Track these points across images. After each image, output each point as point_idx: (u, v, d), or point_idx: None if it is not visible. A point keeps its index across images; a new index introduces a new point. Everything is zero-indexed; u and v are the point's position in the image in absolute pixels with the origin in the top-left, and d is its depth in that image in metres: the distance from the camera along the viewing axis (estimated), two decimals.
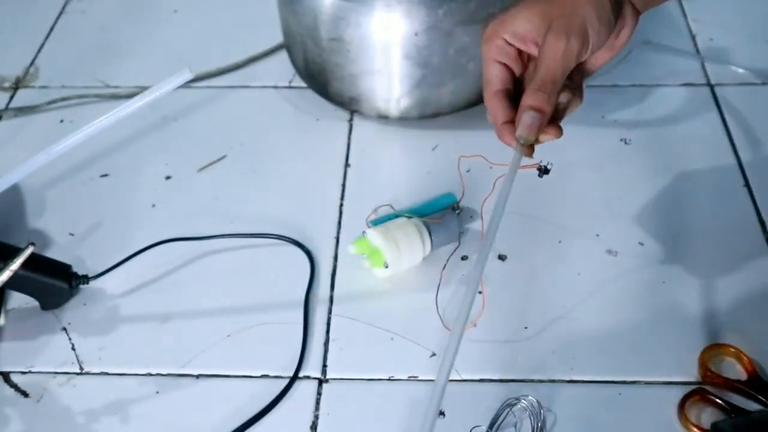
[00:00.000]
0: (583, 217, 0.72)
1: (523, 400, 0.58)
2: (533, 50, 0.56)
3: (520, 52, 0.56)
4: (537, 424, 0.57)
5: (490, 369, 0.61)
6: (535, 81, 0.54)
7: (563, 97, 0.55)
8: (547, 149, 0.79)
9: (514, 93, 0.57)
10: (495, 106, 0.57)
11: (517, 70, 0.57)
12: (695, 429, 0.57)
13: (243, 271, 0.69)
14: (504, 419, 0.57)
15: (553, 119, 0.55)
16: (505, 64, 0.57)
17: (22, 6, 1.01)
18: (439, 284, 0.66)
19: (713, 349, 0.61)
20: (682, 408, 0.58)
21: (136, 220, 0.74)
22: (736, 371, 0.60)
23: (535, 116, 0.54)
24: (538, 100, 0.54)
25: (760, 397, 0.58)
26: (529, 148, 0.56)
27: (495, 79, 0.57)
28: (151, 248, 0.70)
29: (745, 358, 0.60)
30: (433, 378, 0.61)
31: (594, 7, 0.54)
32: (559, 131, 0.57)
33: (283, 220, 0.73)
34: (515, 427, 0.57)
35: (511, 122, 0.56)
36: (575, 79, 0.57)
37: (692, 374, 0.60)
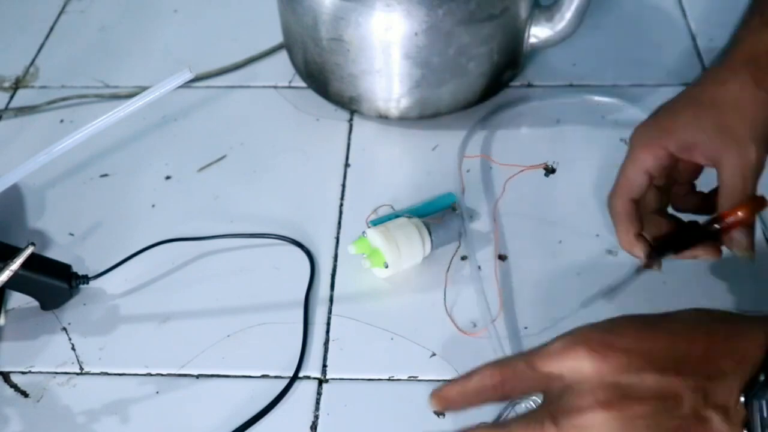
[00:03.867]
0: (583, 217, 0.72)
1: (525, 400, 0.58)
2: (699, 160, 0.53)
3: (676, 161, 0.54)
4: None
5: None
6: (734, 193, 0.51)
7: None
8: (547, 149, 0.79)
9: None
10: (627, 217, 0.55)
11: (658, 181, 0.55)
12: None
13: (243, 271, 0.69)
14: (506, 419, 0.57)
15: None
16: (651, 176, 0.55)
17: (22, 6, 1.01)
18: (446, 285, 0.66)
19: None
20: None
21: (136, 220, 0.74)
22: None
23: (748, 232, 0.51)
24: (747, 214, 0.51)
25: None
26: (660, 262, 0.54)
27: (635, 186, 0.55)
28: (151, 248, 0.70)
29: None
30: (433, 378, 0.61)
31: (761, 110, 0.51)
32: (718, 251, 0.55)
33: (283, 220, 0.73)
34: None
35: (639, 234, 0.54)
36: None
37: None
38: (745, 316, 0.42)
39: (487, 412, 0.58)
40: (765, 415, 0.38)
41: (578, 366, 0.38)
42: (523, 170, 0.75)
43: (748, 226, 0.52)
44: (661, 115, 0.55)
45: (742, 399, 0.38)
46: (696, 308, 0.42)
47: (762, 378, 0.38)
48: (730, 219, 0.52)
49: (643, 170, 0.55)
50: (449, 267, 0.68)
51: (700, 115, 0.53)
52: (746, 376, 0.38)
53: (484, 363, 0.44)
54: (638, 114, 0.82)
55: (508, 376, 0.42)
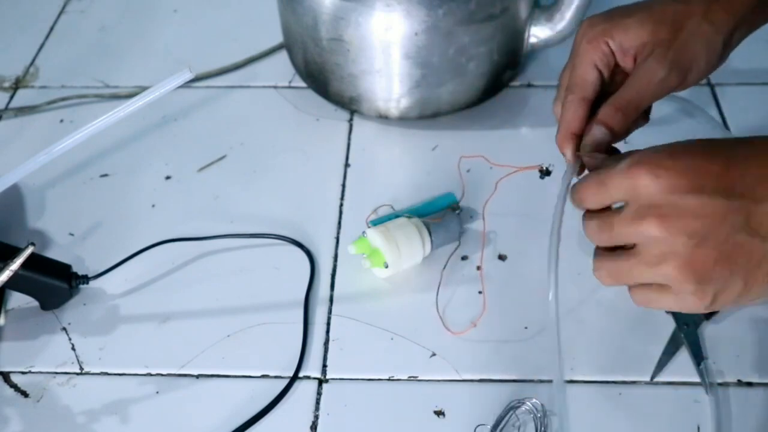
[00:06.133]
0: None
1: (527, 403, 0.58)
2: (629, 65, 0.54)
3: (616, 63, 0.54)
4: (541, 428, 0.57)
5: (490, 369, 0.61)
6: (619, 99, 0.52)
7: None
8: (547, 149, 0.79)
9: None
10: (575, 114, 0.54)
11: (606, 81, 0.55)
12: None
13: (243, 271, 0.69)
14: (507, 422, 0.57)
15: (613, 140, 0.54)
16: (600, 72, 0.54)
17: (22, 6, 1.01)
18: (439, 284, 0.66)
19: None
20: None
21: (136, 220, 0.74)
22: None
23: (606, 134, 0.53)
24: (616, 119, 0.52)
25: None
26: (582, 168, 0.54)
27: (589, 85, 0.54)
28: (151, 248, 0.70)
29: None
30: (433, 378, 0.61)
31: (706, 48, 0.52)
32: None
33: (283, 220, 0.73)
34: (519, 430, 0.57)
35: (579, 134, 0.54)
36: None
37: (693, 375, 0.60)
38: None
39: (486, 413, 0.58)
40: None
41: (639, 184, 0.44)
42: (516, 171, 0.75)
43: (614, 133, 0.53)
44: (610, 13, 0.55)
45: None
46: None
47: None
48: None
49: (590, 65, 0.54)
50: (446, 266, 0.68)
51: (644, 22, 0.53)
52: None
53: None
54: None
55: (592, 189, 0.48)
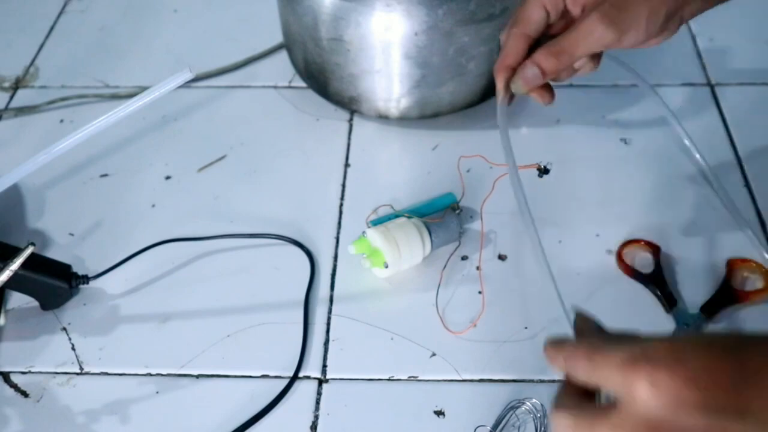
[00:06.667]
0: (583, 217, 0.72)
1: (527, 403, 0.58)
2: (576, 12, 0.55)
3: (565, 7, 0.55)
4: (541, 428, 0.57)
5: (490, 369, 0.61)
6: (556, 45, 0.54)
7: (578, 62, 0.56)
8: (547, 149, 0.79)
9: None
10: (514, 47, 0.56)
11: (552, 22, 0.56)
12: None
13: (243, 271, 0.69)
14: (507, 422, 0.57)
15: (554, 81, 0.56)
16: (548, 13, 0.55)
17: (22, 6, 1.01)
18: (439, 284, 0.66)
19: None
20: None
21: (136, 220, 0.74)
22: None
23: (537, 75, 0.54)
24: (548, 63, 0.54)
25: None
26: (510, 98, 0.56)
27: (532, 22, 0.56)
28: (151, 248, 0.70)
29: None
30: (433, 378, 0.61)
31: (647, 14, 0.52)
32: (551, 97, 0.57)
33: (283, 220, 0.73)
34: (519, 430, 0.57)
35: (515, 69, 0.55)
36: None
37: None
38: None
39: (486, 413, 0.58)
40: None
41: (635, 389, 0.37)
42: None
43: (544, 75, 0.54)
44: None
45: None
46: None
47: None
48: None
49: (540, 4, 0.55)
50: (446, 266, 0.68)
51: None
52: None
53: (551, 338, 0.44)
54: (638, 114, 0.82)
55: (569, 362, 0.42)
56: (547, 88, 0.57)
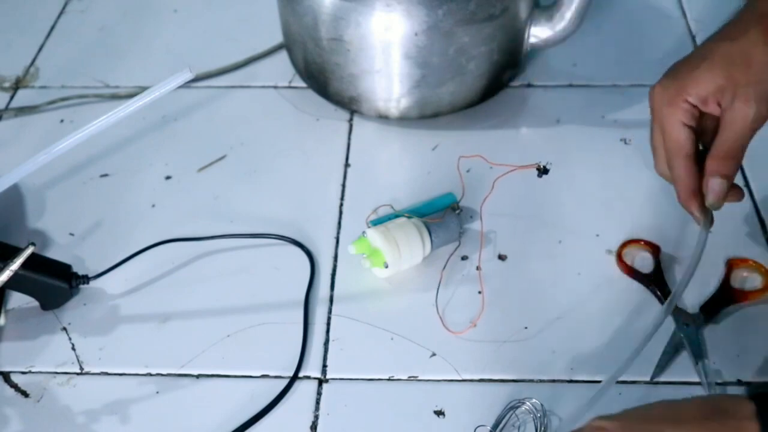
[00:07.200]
0: (583, 217, 0.72)
1: (527, 403, 0.58)
2: (714, 110, 0.55)
3: (701, 113, 0.56)
4: (541, 428, 0.57)
5: (490, 369, 0.61)
6: (722, 147, 0.54)
7: None
8: (547, 149, 0.79)
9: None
10: (687, 172, 0.56)
11: (696, 128, 0.57)
12: None
13: (243, 271, 0.69)
14: (507, 422, 0.57)
15: None
16: (691, 128, 0.56)
17: (22, 6, 1.01)
18: (439, 284, 0.66)
19: None
20: None
21: (136, 220, 0.74)
22: None
23: (723, 183, 0.54)
24: (726, 167, 0.54)
25: None
26: (711, 220, 0.57)
27: (686, 143, 0.56)
28: (151, 248, 0.70)
29: None
30: (433, 378, 0.61)
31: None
32: (741, 193, 0.57)
33: (283, 220, 0.73)
34: (519, 430, 0.57)
35: (700, 190, 0.56)
36: None
37: (692, 375, 0.60)
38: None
39: (486, 413, 0.58)
40: None
41: None
42: (513, 170, 0.75)
43: (729, 180, 0.55)
44: (676, 71, 0.58)
45: None
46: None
47: None
48: None
49: (679, 125, 0.56)
50: (446, 266, 0.68)
51: (713, 68, 0.55)
52: None
53: None
54: (638, 114, 0.82)
55: None
56: (734, 187, 0.57)
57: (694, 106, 0.56)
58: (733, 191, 0.57)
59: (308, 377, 0.62)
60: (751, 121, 0.53)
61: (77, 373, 0.62)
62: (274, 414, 0.59)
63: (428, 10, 0.72)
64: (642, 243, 0.68)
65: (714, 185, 0.55)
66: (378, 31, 0.73)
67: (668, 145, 0.57)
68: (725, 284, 0.65)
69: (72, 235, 0.73)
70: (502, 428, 0.57)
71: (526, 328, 0.64)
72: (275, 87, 0.88)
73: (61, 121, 0.85)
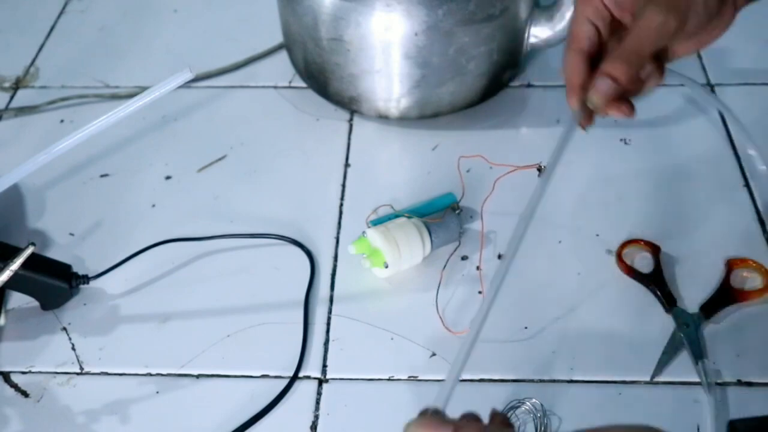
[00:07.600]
0: (583, 217, 0.72)
1: (527, 403, 0.58)
2: (627, 20, 0.54)
3: (612, 18, 0.55)
4: (541, 428, 0.57)
5: (490, 369, 0.61)
6: (621, 50, 0.52)
7: (643, 72, 0.54)
8: (547, 149, 0.79)
9: (594, 58, 0.55)
10: (574, 65, 0.55)
11: (605, 36, 0.55)
12: None
13: (243, 271, 0.69)
14: None
15: (627, 94, 0.54)
16: (596, 26, 0.55)
17: (22, 6, 1.01)
18: (439, 284, 0.66)
19: None
20: None
21: (136, 220, 0.74)
22: None
23: (610, 84, 0.52)
24: (618, 69, 0.52)
25: None
26: (589, 117, 0.54)
27: (583, 36, 0.55)
28: (151, 248, 0.70)
29: None
30: (432, 378, 0.61)
31: None
32: (632, 109, 0.55)
33: (283, 220, 0.73)
34: (519, 430, 0.57)
35: (585, 87, 0.54)
36: (657, 58, 0.55)
37: (692, 375, 0.60)
38: None
39: (486, 413, 0.58)
40: None
41: None
42: (514, 170, 0.75)
43: (618, 83, 0.52)
44: None
45: None
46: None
47: None
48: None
49: (584, 19, 0.55)
50: (446, 266, 0.68)
51: None
52: None
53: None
54: (638, 114, 0.82)
55: None
56: (624, 101, 0.55)
57: (606, 7, 0.55)
58: (623, 104, 0.55)
59: (308, 377, 0.62)
60: (656, 27, 0.51)
61: (77, 373, 0.62)
62: (274, 414, 0.59)
63: (428, 10, 0.72)
64: (642, 243, 0.68)
65: (600, 84, 0.52)
66: (378, 31, 0.74)
67: (568, 39, 0.56)
68: (725, 284, 0.65)
69: (72, 235, 0.73)
70: None
71: (526, 328, 0.64)
72: (275, 87, 0.88)
73: (61, 121, 0.85)
